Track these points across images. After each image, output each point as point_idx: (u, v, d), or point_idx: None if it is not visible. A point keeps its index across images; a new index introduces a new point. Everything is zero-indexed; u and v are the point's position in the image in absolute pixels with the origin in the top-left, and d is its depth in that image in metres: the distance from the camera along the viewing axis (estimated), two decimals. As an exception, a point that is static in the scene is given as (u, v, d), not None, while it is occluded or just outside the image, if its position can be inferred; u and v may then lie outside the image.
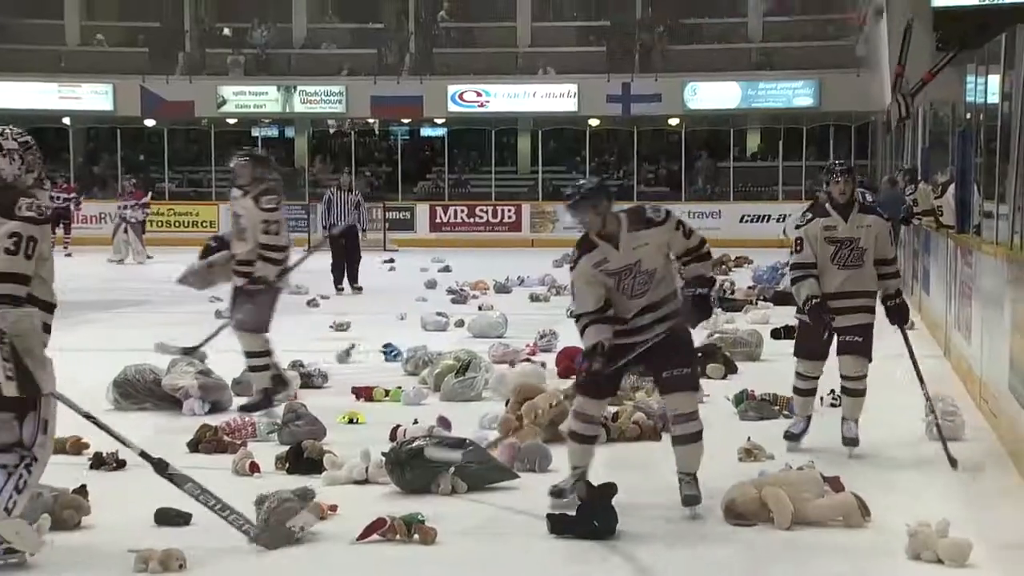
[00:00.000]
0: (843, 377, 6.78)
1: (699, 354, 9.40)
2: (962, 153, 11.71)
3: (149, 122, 32.38)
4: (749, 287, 15.69)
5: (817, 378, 6.86)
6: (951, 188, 12.57)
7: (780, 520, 5.23)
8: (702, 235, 5.68)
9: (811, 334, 6.71)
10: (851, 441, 6.72)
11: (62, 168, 31.75)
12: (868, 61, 28.45)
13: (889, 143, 25.80)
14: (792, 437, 6.81)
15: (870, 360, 6.70)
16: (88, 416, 5.08)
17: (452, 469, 5.82)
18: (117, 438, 5.15)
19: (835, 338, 6.71)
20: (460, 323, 12.36)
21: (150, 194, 25.20)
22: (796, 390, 6.94)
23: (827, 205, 6.69)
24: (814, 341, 6.72)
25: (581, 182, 5.66)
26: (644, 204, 5.72)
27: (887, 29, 24.16)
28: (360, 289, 16.46)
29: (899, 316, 6.77)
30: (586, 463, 5.58)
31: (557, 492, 5.52)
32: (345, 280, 16.51)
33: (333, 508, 5.41)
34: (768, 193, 30.41)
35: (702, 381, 8.69)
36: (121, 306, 14.94)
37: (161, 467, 5.04)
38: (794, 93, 30.62)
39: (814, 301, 6.60)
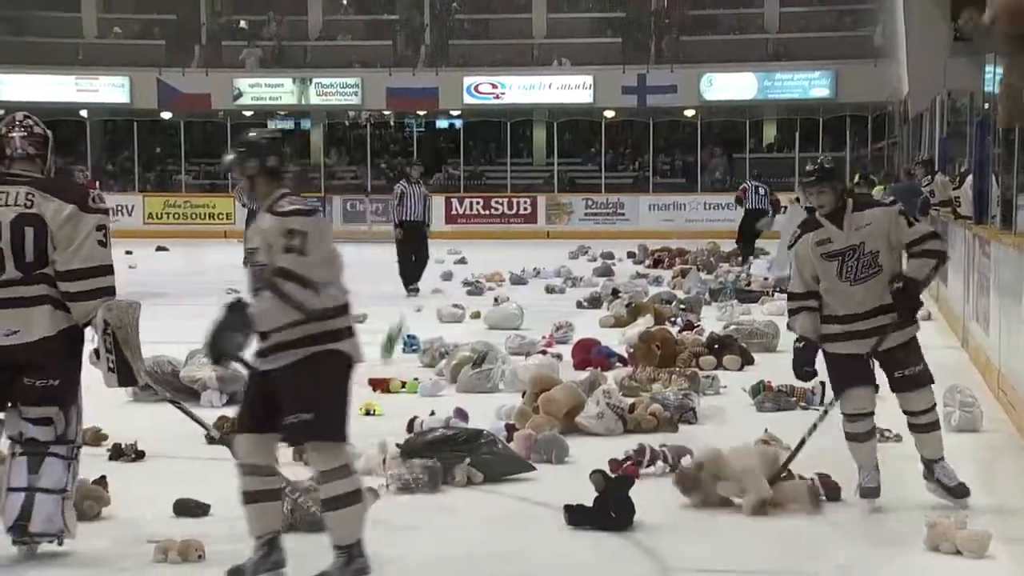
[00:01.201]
0: (908, 414, 5.54)
1: (715, 345, 9.42)
2: (980, 143, 11.66)
3: (166, 114, 32.47)
4: (765, 278, 15.66)
5: (871, 413, 5.54)
6: (969, 179, 12.52)
7: (748, 502, 5.32)
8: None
9: (842, 362, 5.47)
10: (957, 491, 5.40)
11: (79, 161, 31.89)
12: (885, 51, 28.32)
13: (906, 133, 25.70)
14: (870, 493, 5.46)
15: (933, 382, 5.56)
16: (174, 402, 5.63)
17: (468, 460, 5.83)
18: (200, 422, 5.49)
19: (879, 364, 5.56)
20: (476, 315, 12.37)
21: (97, 184, 24.89)
22: (850, 436, 5.55)
23: (817, 214, 5.50)
24: (849, 369, 5.44)
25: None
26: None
27: (904, 18, 24.05)
28: (417, 291, 15.02)
29: (904, 306, 5.40)
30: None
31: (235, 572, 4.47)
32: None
33: (351, 499, 5.42)
34: (784, 184, 30.27)
35: (718, 372, 8.74)
36: (142, 298, 14.94)
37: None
38: (811, 84, 30.54)
39: (799, 346, 5.54)
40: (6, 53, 32.02)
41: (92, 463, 6.04)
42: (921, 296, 5.60)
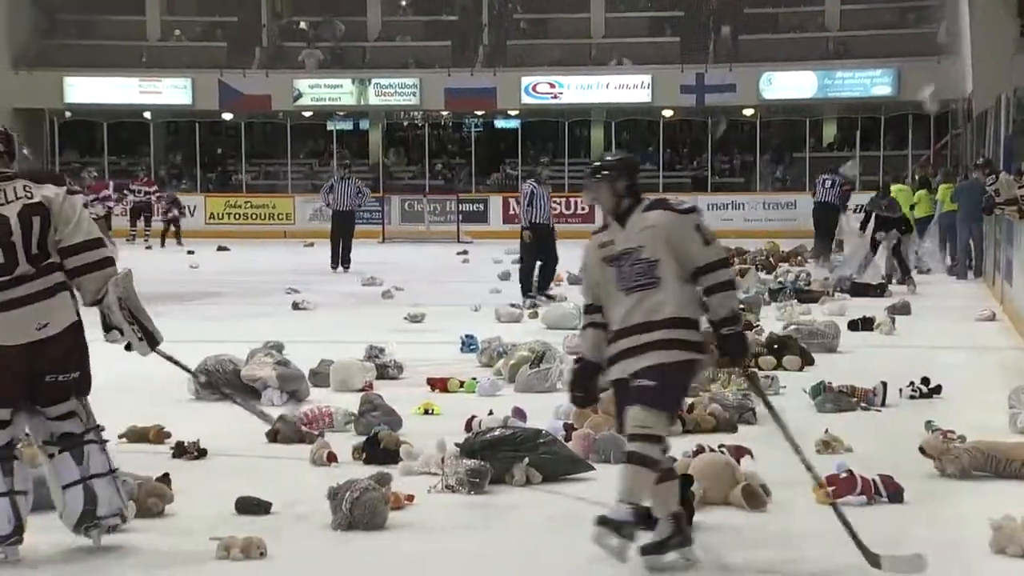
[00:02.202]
0: (623, 433, 4.69)
1: (775, 346, 9.33)
2: (1046, 141, 11.48)
3: (227, 115, 32.80)
4: (825, 278, 15.53)
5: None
6: (1034, 177, 12.34)
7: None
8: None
9: (616, 390, 4.76)
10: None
11: (142, 162, 32.34)
12: (949, 48, 27.95)
13: (970, 132, 25.35)
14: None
15: (669, 414, 4.65)
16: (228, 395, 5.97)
17: (527, 459, 5.83)
18: (185, 368, 5.52)
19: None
20: (534, 314, 12.38)
21: (111, 185, 25.08)
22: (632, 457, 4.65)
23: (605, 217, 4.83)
24: (621, 398, 4.69)
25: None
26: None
27: (968, 14, 23.74)
28: (552, 298, 14.08)
29: (735, 349, 4.67)
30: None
31: None
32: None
33: (410, 498, 5.45)
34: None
35: (778, 373, 8.66)
36: (197, 298, 15.16)
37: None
38: (872, 82, 30.19)
39: (575, 367, 4.94)
40: (73, 56, 32.54)
41: (155, 461, 6.14)
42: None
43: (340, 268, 18.78)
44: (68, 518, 4.76)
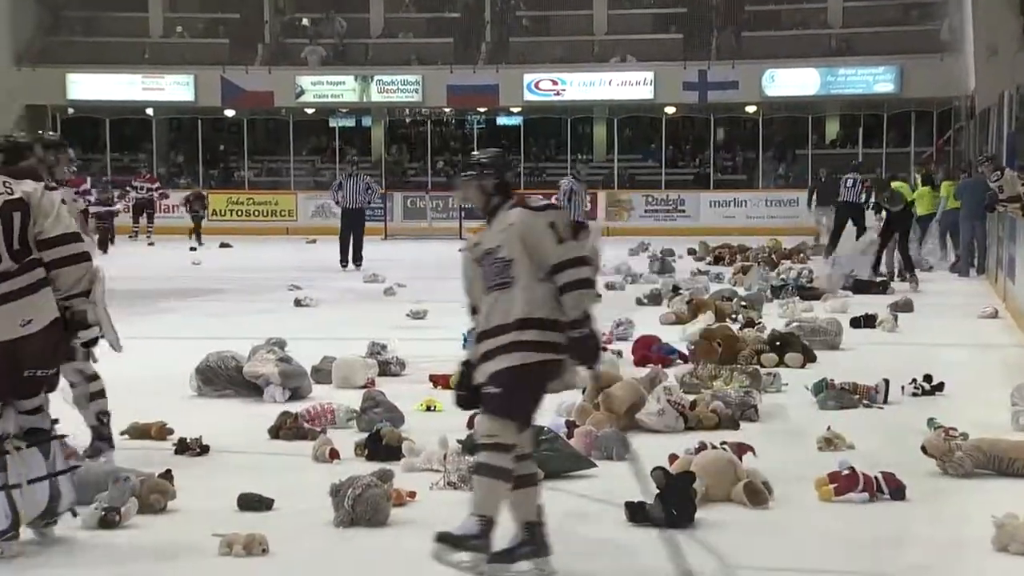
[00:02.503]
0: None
1: (777, 343, 9.32)
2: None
3: (229, 112, 32.81)
4: (828, 275, 15.52)
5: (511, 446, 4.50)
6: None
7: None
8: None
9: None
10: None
11: (145, 158, 32.36)
12: (952, 45, 27.93)
13: (973, 128, 25.34)
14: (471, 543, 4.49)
15: (517, 422, 4.46)
16: None
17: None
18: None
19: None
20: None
21: (88, 180, 24.96)
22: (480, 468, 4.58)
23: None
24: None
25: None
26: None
27: (971, 12, 23.72)
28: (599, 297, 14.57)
29: (584, 354, 4.55)
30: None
31: None
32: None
33: (412, 494, 5.46)
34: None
35: (780, 370, 8.67)
36: (199, 294, 15.17)
37: None
38: (875, 79, 30.17)
39: (461, 369, 4.80)
40: (76, 53, 32.56)
41: (158, 457, 6.14)
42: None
43: (352, 266, 18.57)
44: (30, 512, 4.76)
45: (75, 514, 4.93)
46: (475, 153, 4.87)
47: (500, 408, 4.46)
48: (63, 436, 4.99)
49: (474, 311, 4.72)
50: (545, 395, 4.63)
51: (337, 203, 19.51)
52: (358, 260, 18.73)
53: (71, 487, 4.89)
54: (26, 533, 4.79)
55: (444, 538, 4.45)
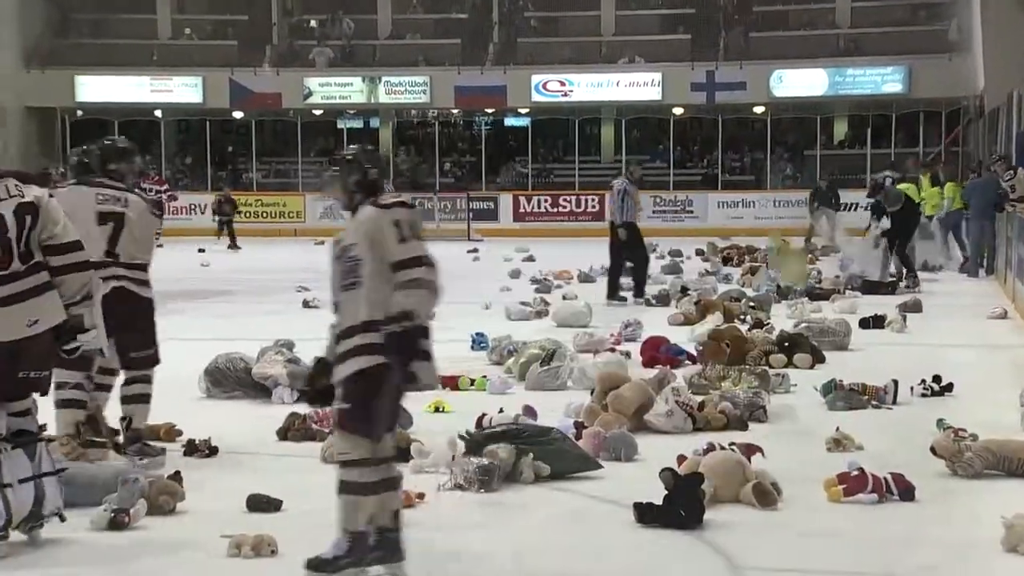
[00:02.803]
0: None
1: (786, 343, 9.31)
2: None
3: (237, 114, 32.86)
4: (836, 276, 15.51)
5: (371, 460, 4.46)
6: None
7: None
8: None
9: None
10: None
11: (154, 160, 32.40)
12: (960, 45, 27.89)
13: (982, 128, 25.29)
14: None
15: (363, 436, 4.37)
16: None
17: (531, 455, 5.83)
18: None
19: None
20: (544, 312, 12.38)
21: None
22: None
23: None
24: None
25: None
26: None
27: (980, 12, 23.68)
28: (645, 302, 13.59)
29: (389, 348, 4.33)
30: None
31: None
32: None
33: (420, 496, 5.46)
34: (856, 181, 29.96)
35: (788, 371, 8.66)
36: (208, 296, 15.19)
37: None
38: (883, 79, 30.13)
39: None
40: (84, 55, 32.63)
41: (167, 458, 6.15)
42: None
43: None
44: (16, 512, 4.76)
45: (62, 518, 4.91)
46: (339, 150, 4.77)
47: (344, 423, 4.42)
48: (50, 439, 5.04)
49: (336, 308, 4.63)
50: (402, 397, 4.52)
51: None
52: None
53: (57, 490, 4.89)
54: (17, 536, 4.79)
55: (314, 564, 4.42)
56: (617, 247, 13.79)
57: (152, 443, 6.35)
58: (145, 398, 6.32)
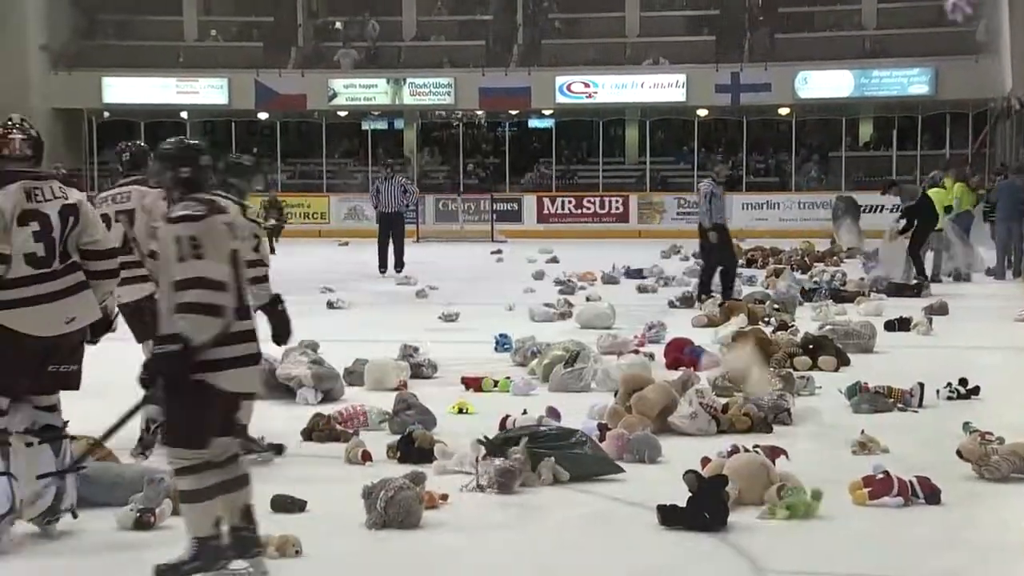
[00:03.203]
0: None
1: (810, 346, 9.25)
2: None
3: (262, 115, 32.97)
4: (861, 278, 15.43)
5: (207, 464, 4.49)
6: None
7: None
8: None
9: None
10: None
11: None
12: (988, 46, 27.71)
13: (1009, 130, 25.13)
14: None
15: (189, 448, 4.39)
16: None
17: (552, 458, 5.83)
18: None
19: None
20: (567, 313, 12.37)
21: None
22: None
23: None
24: None
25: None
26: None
27: (1008, 12, 23.52)
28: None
29: (153, 372, 4.37)
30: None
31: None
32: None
33: (444, 497, 5.46)
34: (881, 184, 29.86)
35: (813, 373, 8.63)
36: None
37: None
38: (909, 81, 29.96)
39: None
40: (111, 57, 32.81)
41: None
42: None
43: (395, 272, 17.73)
44: (34, 507, 4.89)
45: (75, 515, 5.00)
46: (161, 145, 4.68)
47: (166, 438, 4.57)
48: (74, 437, 5.14)
49: None
50: (218, 401, 4.39)
51: (376, 208, 18.70)
52: (400, 265, 17.94)
53: (75, 487, 4.99)
54: (77, 526, 4.83)
55: (161, 570, 4.44)
56: (709, 249, 13.79)
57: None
58: None
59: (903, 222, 15.77)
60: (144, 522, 5.06)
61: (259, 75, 31.95)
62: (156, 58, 32.90)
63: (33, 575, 4.67)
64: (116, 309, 5.47)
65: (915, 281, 15.14)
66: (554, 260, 19.83)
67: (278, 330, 6.20)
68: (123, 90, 32.17)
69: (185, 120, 33.12)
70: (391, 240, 18.12)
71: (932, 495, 5.45)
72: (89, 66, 32.19)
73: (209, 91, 32.40)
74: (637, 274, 17.05)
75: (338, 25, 34.62)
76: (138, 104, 32.06)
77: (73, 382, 5.03)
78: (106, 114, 32.77)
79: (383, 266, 18.11)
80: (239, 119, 32.99)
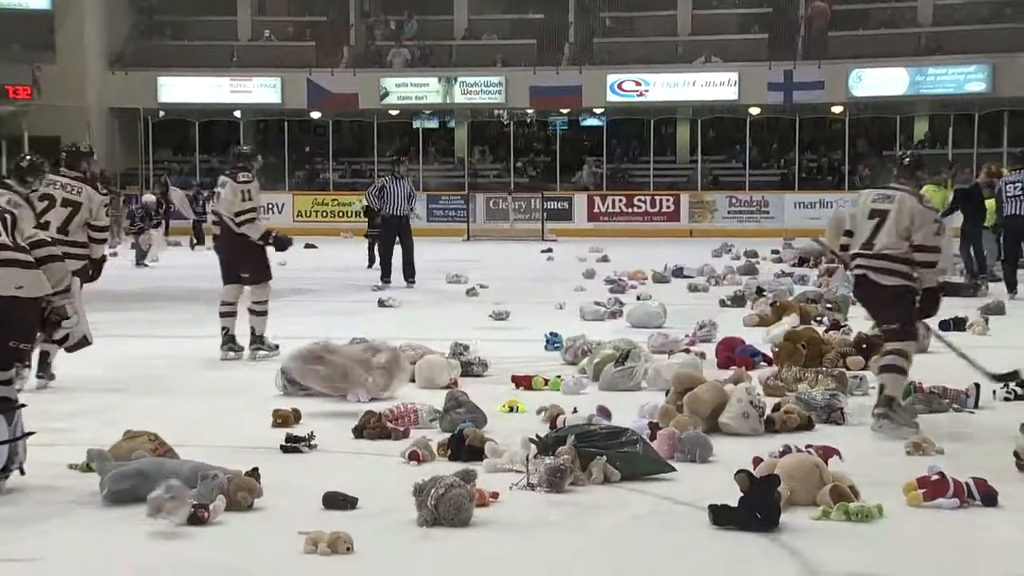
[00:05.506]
0: None
1: (863, 346, 9.17)
2: None
3: (315, 114, 33.19)
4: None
5: None
6: None
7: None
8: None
9: None
10: None
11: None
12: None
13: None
14: None
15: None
16: None
17: (604, 457, 5.81)
18: None
19: None
20: (618, 312, 12.34)
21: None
22: None
23: None
24: None
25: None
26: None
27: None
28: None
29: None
30: None
31: None
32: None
33: (495, 495, 5.46)
34: (936, 182, 29.46)
35: (866, 373, 8.54)
36: (284, 295, 15.32)
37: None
38: (966, 78, 29.63)
39: None
40: (166, 56, 33.20)
41: (245, 456, 6.22)
42: None
43: (405, 283, 16.15)
44: None
45: (23, 472, 5.47)
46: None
47: None
48: (24, 405, 5.59)
49: None
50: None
51: (378, 210, 16.84)
52: (411, 276, 16.26)
53: (24, 449, 5.50)
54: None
55: None
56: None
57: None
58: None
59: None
60: (198, 517, 5.10)
61: (311, 74, 32.16)
62: (210, 58, 33.26)
63: (95, 569, 4.72)
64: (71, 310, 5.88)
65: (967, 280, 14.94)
66: (604, 259, 19.80)
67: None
68: (178, 90, 32.54)
69: (238, 119, 33.43)
70: (397, 246, 16.45)
71: (989, 497, 5.38)
72: (145, 66, 32.58)
73: (262, 90, 32.68)
74: (680, 273, 16.96)
75: (391, 24, 34.78)
76: (192, 103, 32.41)
77: (25, 358, 5.58)
78: (161, 113, 33.15)
79: (386, 275, 16.45)
80: (292, 118, 33.24)
